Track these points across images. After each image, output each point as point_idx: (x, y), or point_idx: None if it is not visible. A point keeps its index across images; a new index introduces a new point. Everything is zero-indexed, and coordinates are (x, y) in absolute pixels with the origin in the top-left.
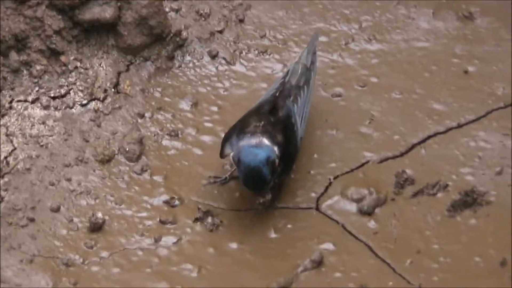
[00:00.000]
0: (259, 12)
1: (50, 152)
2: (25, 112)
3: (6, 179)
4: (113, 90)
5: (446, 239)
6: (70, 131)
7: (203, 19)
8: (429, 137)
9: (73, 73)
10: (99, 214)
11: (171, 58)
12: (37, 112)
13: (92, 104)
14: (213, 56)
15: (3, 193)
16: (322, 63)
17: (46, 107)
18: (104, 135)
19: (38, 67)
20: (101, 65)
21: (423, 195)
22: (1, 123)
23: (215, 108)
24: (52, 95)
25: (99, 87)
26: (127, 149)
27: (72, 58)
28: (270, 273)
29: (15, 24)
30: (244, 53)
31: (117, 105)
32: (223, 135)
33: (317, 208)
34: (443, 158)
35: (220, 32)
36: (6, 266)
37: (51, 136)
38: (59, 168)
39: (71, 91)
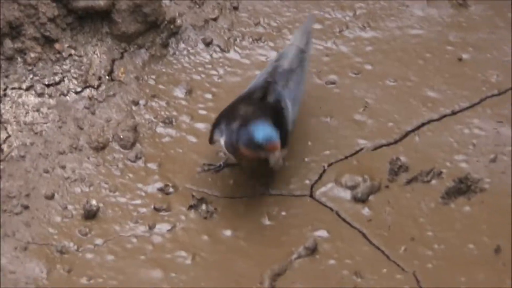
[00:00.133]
0: (253, 0)
1: (45, 140)
2: (20, 100)
3: (0, 166)
4: (107, 77)
5: (440, 226)
6: (65, 118)
7: (197, 6)
8: (423, 124)
9: (67, 61)
10: (93, 202)
11: (165, 45)
12: (32, 99)
13: (86, 92)
14: (208, 44)
15: None
16: (316, 51)
17: (40, 95)
18: (99, 122)
19: (32, 55)
20: (95, 53)
21: (417, 182)
22: None
23: (209, 96)
24: (46, 82)
25: (93, 74)
26: (121, 136)
27: (66, 45)
28: (264, 260)
29: (9, 11)
30: (238, 40)
31: (111, 93)
32: None
33: (311, 195)
34: (437, 145)
35: (215, 19)
36: (0, 254)
37: (46, 123)
38: (53, 156)
39: (65, 79)
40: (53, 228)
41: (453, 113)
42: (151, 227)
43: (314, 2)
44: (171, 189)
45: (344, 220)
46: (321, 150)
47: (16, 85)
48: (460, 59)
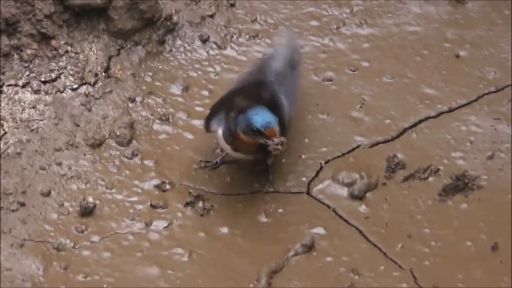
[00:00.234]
0: None
1: (41, 137)
2: (16, 97)
3: None
4: (103, 74)
5: (437, 223)
6: (61, 115)
7: (194, 3)
8: (421, 121)
9: (64, 58)
10: (90, 199)
11: (162, 42)
12: (28, 96)
13: (83, 89)
14: (204, 41)
15: None
16: (313, 47)
17: (36, 92)
18: (95, 119)
19: (28, 51)
20: (92, 50)
21: (414, 180)
22: None
23: (206, 93)
24: (42, 79)
25: (90, 71)
26: (118, 133)
27: (62, 42)
28: (261, 257)
29: (5, 8)
30: (235, 37)
31: (108, 90)
32: None
33: (308, 193)
34: (435, 142)
35: (211, 16)
36: None
37: (42, 120)
38: (49, 153)
39: (61, 76)
40: (50, 225)
41: (450, 110)
42: (147, 224)
43: None
44: (167, 186)
45: (341, 217)
46: (318, 147)
47: (12, 82)
48: (457, 56)
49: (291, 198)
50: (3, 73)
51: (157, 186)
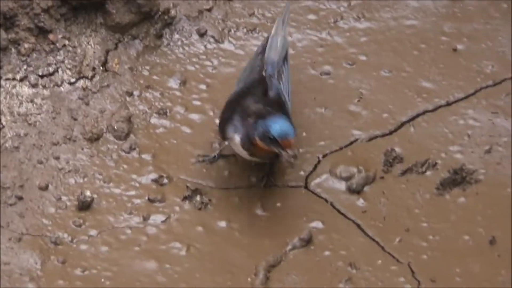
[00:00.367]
0: None
1: (39, 131)
2: (13, 90)
3: None
4: (101, 68)
5: (435, 217)
6: (58, 109)
7: None
8: (418, 115)
9: (61, 51)
10: (88, 193)
11: (159, 36)
12: (25, 90)
13: (81, 82)
14: (202, 35)
15: None
16: (311, 41)
17: (34, 85)
18: (93, 113)
19: (26, 45)
20: (90, 43)
21: (412, 173)
22: None
23: (203, 87)
24: (40, 73)
25: (88, 65)
26: (116, 127)
27: (60, 36)
28: (259, 251)
29: (3, 2)
30: (232, 31)
31: (105, 83)
32: (211, 113)
33: (306, 187)
34: (432, 136)
35: (209, 10)
36: None
37: (39, 114)
38: (47, 147)
39: (59, 69)
40: (47, 219)
41: (448, 104)
42: (145, 218)
43: None
44: (165, 180)
45: (339, 211)
46: (316, 141)
47: (10, 76)
48: (455, 50)
49: (289, 192)
50: (0, 67)
51: (154, 180)
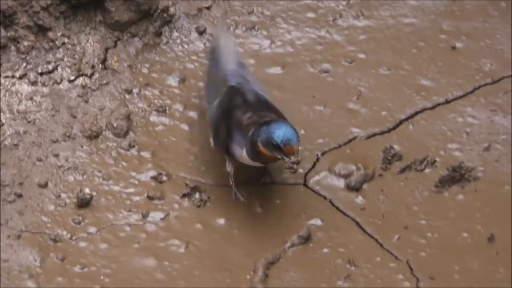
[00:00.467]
0: None
1: (38, 128)
2: (13, 88)
3: None
4: (100, 66)
5: (433, 214)
6: (58, 107)
7: None
8: (417, 113)
9: (61, 49)
10: (87, 190)
11: (158, 34)
12: (25, 88)
13: (80, 80)
14: (201, 32)
15: None
16: (310, 39)
17: (33, 83)
18: (92, 111)
19: (25, 43)
20: (89, 41)
21: (411, 171)
22: None
23: (202, 84)
24: (39, 71)
25: (87, 63)
26: (115, 125)
27: (59, 34)
28: (257, 249)
29: (2, 0)
30: (231, 29)
31: (104, 81)
32: None
33: (305, 184)
34: (431, 134)
35: (208, 8)
36: None
37: (39, 112)
38: (46, 144)
39: (58, 67)
40: (47, 216)
41: (447, 101)
42: (144, 216)
43: None
44: (164, 178)
45: (337, 208)
46: (315, 139)
47: (9, 73)
48: (453, 48)
49: (287, 190)
50: (0, 65)
51: (154, 178)
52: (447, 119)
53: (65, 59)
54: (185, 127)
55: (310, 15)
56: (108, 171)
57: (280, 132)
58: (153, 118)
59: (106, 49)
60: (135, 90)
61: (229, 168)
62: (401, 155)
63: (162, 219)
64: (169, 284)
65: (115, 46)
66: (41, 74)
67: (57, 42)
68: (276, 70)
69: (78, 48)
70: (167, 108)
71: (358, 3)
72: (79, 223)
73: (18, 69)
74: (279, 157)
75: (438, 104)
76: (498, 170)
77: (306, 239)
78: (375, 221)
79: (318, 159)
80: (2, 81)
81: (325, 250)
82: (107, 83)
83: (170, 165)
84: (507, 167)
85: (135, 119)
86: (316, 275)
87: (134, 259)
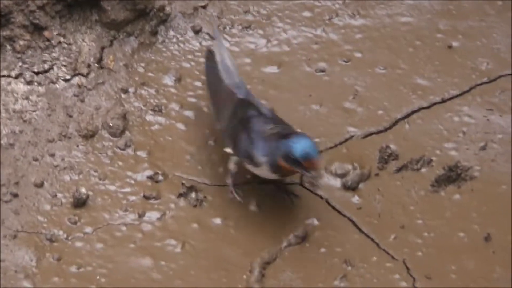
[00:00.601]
0: None
1: (34, 128)
2: (8, 87)
3: None
4: (96, 65)
5: (430, 214)
6: (54, 106)
7: None
8: (413, 112)
9: (57, 48)
10: (83, 190)
11: (154, 33)
12: (21, 87)
13: (76, 79)
14: (197, 31)
15: None
16: (306, 38)
17: (29, 82)
18: (88, 110)
19: (21, 42)
20: (85, 40)
21: (407, 170)
22: None
23: (198, 83)
24: (35, 70)
25: (83, 62)
26: (111, 124)
27: (55, 33)
28: (254, 248)
29: None
30: (227, 28)
31: (100, 80)
32: (206, 110)
33: (301, 183)
34: (427, 133)
35: (204, 7)
36: None
37: (35, 111)
38: (42, 144)
39: (54, 66)
40: (43, 216)
41: (443, 101)
42: (140, 215)
43: None
44: (160, 177)
45: (334, 208)
46: (311, 138)
47: (5, 73)
48: (450, 47)
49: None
50: None
51: (150, 177)
52: (444, 118)
53: (61, 58)
54: (181, 126)
55: (306, 14)
56: (104, 170)
57: (299, 146)
58: (149, 117)
59: (102, 48)
60: (131, 89)
61: (231, 166)
62: (397, 154)
63: (158, 218)
64: (165, 283)
65: (111, 45)
66: (37, 73)
67: (53, 41)
68: (272, 69)
69: (74, 47)
70: (163, 107)
71: (354, 2)
72: (75, 223)
73: (14, 69)
74: (299, 171)
75: (435, 103)
76: (495, 170)
77: (303, 238)
78: (372, 221)
79: None
80: None
81: (322, 249)
82: (103, 82)
83: (166, 164)
84: (503, 167)
85: (131, 118)
86: (312, 275)
87: (130, 258)
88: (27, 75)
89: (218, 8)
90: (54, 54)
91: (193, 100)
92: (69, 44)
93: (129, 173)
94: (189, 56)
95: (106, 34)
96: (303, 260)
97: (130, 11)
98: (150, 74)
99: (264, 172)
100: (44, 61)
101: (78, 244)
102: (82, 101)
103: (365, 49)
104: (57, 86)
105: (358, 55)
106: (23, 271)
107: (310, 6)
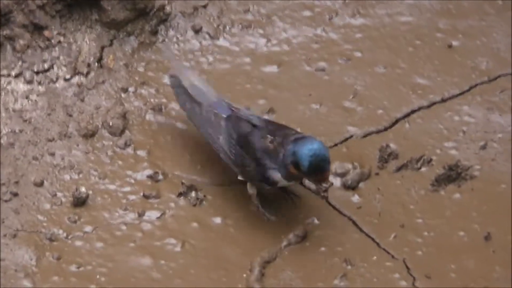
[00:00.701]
0: None
1: (34, 127)
2: (9, 87)
3: None
4: (96, 64)
5: (430, 213)
6: (54, 105)
7: None
8: (413, 111)
9: (57, 48)
10: (83, 189)
11: (154, 32)
12: (21, 86)
13: (76, 79)
14: (197, 31)
15: None
16: (306, 38)
17: (29, 82)
18: (88, 109)
19: (21, 42)
20: (85, 40)
21: (407, 170)
22: None
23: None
24: (35, 69)
25: (83, 61)
26: (111, 123)
27: (55, 33)
28: (254, 247)
29: None
30: (227, 27)
31: (100, 80)
32: None
33: (301, 183)
34: (427, 132)
35: (204, 6)
36: None
37: (35, 110)
38: (42, 143)
39: (54, 66)
40: (42, 215)
41: (443, 100)
42: (140, 215)
43: None
44: (160, 176)
45: (334, 207)
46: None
47: (5, 72)
48: (450, 46)
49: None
50: None
51: (149, 177)
52: (444, 117)
53: (61, 58)
54: (181, 125)
55: (306, 13)
56: (104, 170)
57: (308, 159)
58: (149, 116)
59: (102, 48)
60: (131, 89)
61: (251, 190)
62: (397, 153)
63: (158, 218)
64: (165, 283)
65: (111, 44)
66: (37, 73)
67: (53, 41)
68: (272, 68)
69: (74, 47)
70: (163, 106)
71: (354, 2)
72: (75, 222)
73: (14, 68)
74: (308, 180)
75: (435, 103)
76: (495, 169)
77: (303, 238)
78: (372, 220)
79: None
80: None
81: (322, 249)
82: (103, 82)
83: (166, 163)
84: (503, 166)
85: (131, 117)
86: (312, 274)
87: (130, 258)
88: (27, 74)
89: (218, 7)
90: (54, 54)
91: None
92: (69, 43)
93: (129, 172)
94: (189, 56)
95: (106, 33)
96: (303, 260)
97: (130, 10)
98: (150, 73)
99: (280, 184)
100: (44, 61)
101: (78, 243)
102: (82, 100)
103: (365, 49)
104: (57, 85)
105: (358, 54)
106: (23, 270)
107: (310, 5)
